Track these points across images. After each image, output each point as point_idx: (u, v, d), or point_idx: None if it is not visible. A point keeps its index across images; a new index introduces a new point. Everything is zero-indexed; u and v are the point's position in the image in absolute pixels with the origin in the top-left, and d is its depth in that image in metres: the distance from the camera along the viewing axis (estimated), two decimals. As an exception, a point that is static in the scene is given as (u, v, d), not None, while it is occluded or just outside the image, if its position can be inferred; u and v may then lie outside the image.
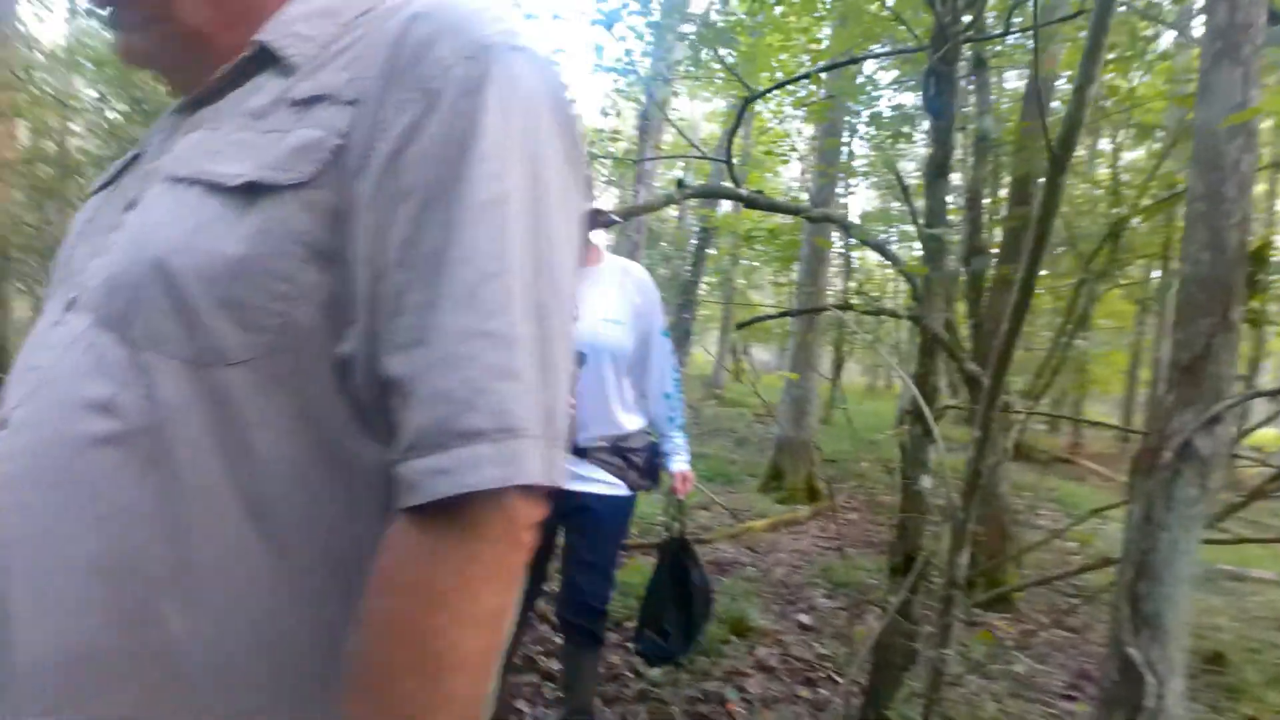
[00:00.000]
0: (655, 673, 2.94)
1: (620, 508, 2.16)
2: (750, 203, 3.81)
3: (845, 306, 2.83)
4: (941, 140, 2.65)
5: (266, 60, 0.57)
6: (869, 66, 4.84)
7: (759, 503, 6.00)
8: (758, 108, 9.42)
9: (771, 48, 4.47)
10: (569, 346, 0.53)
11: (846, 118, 6.34)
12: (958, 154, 5.64)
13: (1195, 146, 1.73)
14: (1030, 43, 4.07)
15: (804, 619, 3.64)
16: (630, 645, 3.18)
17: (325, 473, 0.50)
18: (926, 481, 2.33)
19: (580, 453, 2.08)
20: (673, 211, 17.25)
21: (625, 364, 2.12)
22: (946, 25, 2.56)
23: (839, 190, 11.09)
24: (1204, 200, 1.69)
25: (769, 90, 3.29)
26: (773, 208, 3.89)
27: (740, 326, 2.95)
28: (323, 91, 0.53)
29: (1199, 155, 1.71)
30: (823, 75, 5.12)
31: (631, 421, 2.16)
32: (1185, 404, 1.69)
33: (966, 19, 2.68)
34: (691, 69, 4.98)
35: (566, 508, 2.08)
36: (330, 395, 0.50)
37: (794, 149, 5.21)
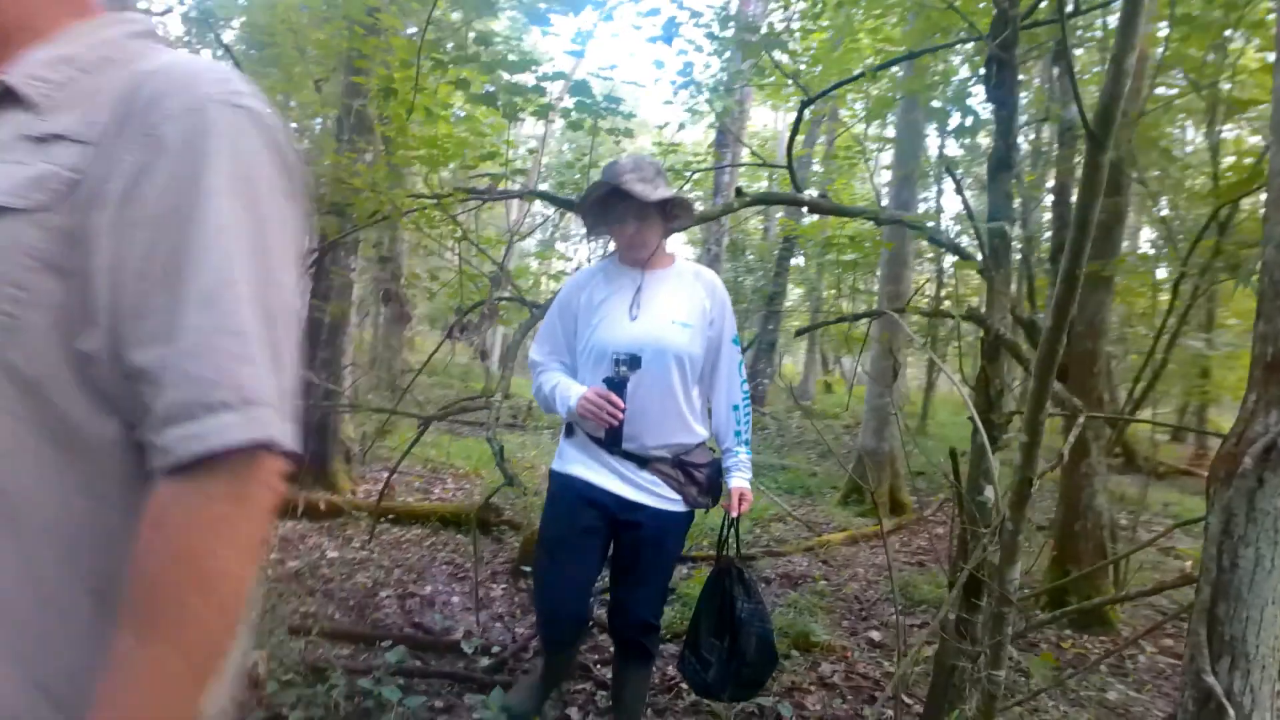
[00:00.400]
0: (711, 686, 2.87)
1: (677, 524, 2.10)
2: (813, 207, 3.72)
3: (900, 310, 2.70)
4: (1003, 131, 2.50)
5: (11, 98, 0.63)
6: (946, 64, 4.63)
7: (838, 516, 5.81)
8: (841, 113, 9.22)
9: (838, 52, 4.36)
10: (293, 345, 0.64)
11: (929, 117, 6.10)
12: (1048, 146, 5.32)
13: (1274, 115, 1.57)
14: (1107, 22, 3.80)
15: (875, 635, 3.48)
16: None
17: (57, 452, 0.59)
18: (989, 493, 2.18)
19: (642, 461, 2.03)
20: (758, 223, 17.08)
21: (693, 370, 2.06)
22: (1005, 10, 2.42)
23: (929, 193, 10.66)
24: (1287, 176, 1.52)
25: (825, 92, 3.19)
26: (837, 211, 3.78)
27: (799, 334, 2.87)
28: (60, 131, 0.61)
29: (1277, 125, 1.54)
30: (897, 75, 4.96)
31: (697, 433, 2.10)
32: (1271, 404, 1.51)
33: (1028, 4, 2.53)
34: (754, 77, 4.90)
35: (620, 514, 2.03)
36: (66, 384, 0.59)
37: (861, 150, 5.02)
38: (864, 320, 6.23)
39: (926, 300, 9.90)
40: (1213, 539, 1.54)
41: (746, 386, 2.21)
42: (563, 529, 2.06)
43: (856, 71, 3.44)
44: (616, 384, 1.95)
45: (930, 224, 3.47)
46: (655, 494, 2.04)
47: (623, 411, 1.93)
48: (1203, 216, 3.25)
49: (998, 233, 2.38)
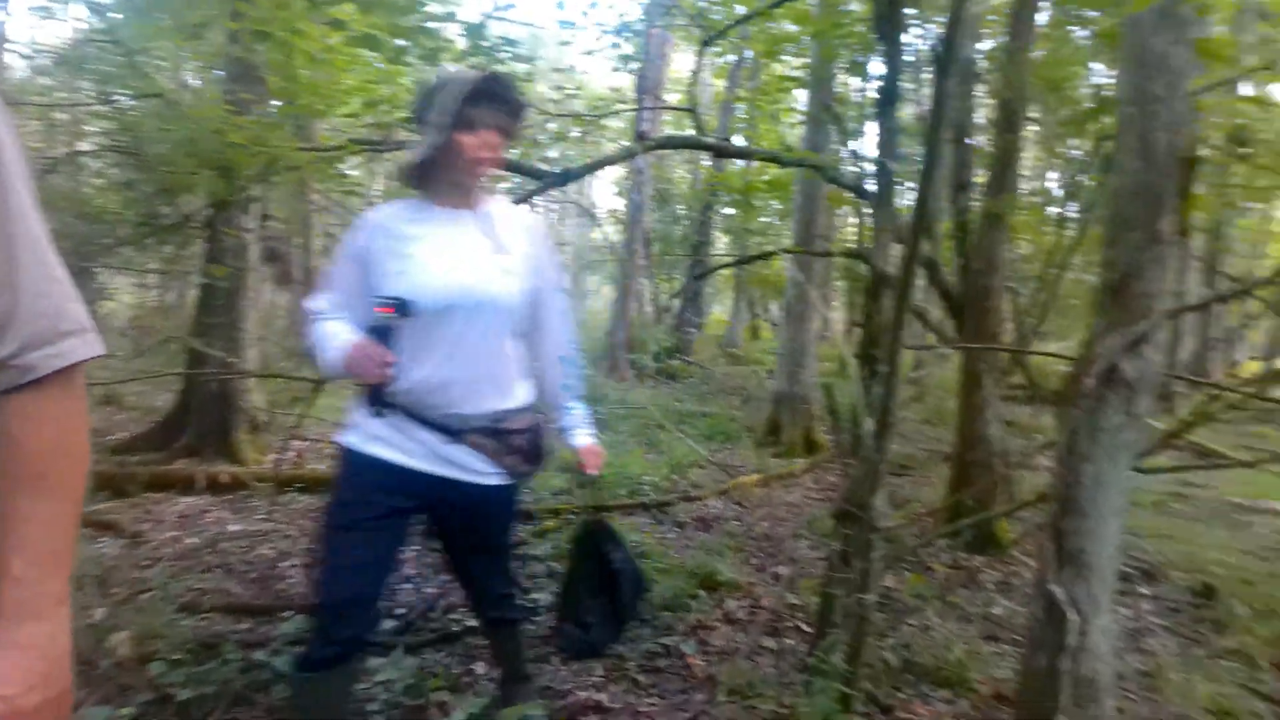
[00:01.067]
0: (618, 629, 2.92)
1: (500, 499, 1.88)
2: (718, 151, 3.69)
3: (795, 249, 2.72)
4: (891, 65, 2.50)
5: None
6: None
7: (755, 458, 5.94)
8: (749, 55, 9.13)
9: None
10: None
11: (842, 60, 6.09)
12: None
13: (1124, 43, 1.60)
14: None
15: (782, 570, 3.59)
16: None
17: None
18: (870, 425, 2.24)
19: (454, 434, 1.77)
20: (684, 172, 16.98)
21: (516, 324, 1.83)
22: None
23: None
24: (1133, 103, 1.56)
25: (720, 33, 3.14)
26: (743, 155, 3.76)
27: (696, 277, 2.86)
28: None
29: (1128, 52, 1.58)
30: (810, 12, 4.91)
31: (519, 393, 1.87)
32: (1112, 327, 1.58)
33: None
34: (664, 19, 4.78)
35: (435, 495, 1.79)
36: None
37: (766, 93, 4.97)
38: (784, 264, 6.28)
39: (847, 242, 10.06)
40: (1060, 457, 1.61)
41: (575, 337, 2.02)
42: (357, 515, 1.75)
43: (752, 11, 3.37)
44: (378, 331, 1.68)
45: (825, 163, 3.47)
46: (470, 469, 1.79)
47: (390, 366, 1.66)
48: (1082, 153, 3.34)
49: (882, 169, 2.40)
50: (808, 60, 5.51)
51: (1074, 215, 3.69)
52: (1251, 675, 2.72)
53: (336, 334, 1.74)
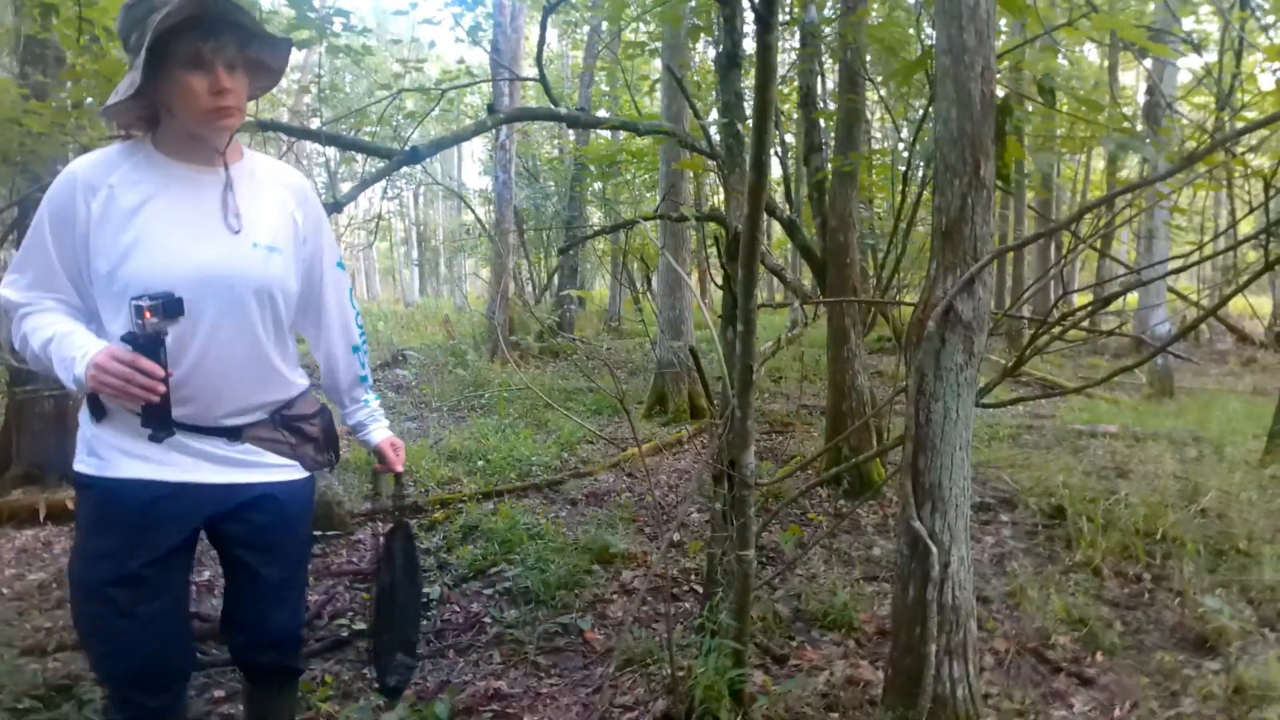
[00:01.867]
0: (511, 614, 2.88)
1: (302, 497, 1.59)
2: (571, 122, 3.62)
3: (649, 216, 2.72)
4: (729, 28, 2.52)
5: None
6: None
7: (644, 429, 5.99)
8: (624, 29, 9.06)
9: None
10: None
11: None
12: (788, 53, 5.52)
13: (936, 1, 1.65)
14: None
15: (676, 537, 3.64)
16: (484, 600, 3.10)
17: None
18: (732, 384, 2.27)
19: (231, 433, 1.46)
20: (551, 147, 16.73)
21: (287, 309, 1.52)
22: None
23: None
24: (947, 54, 1.62)
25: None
26: (596, 124, 3.70)
27: (562, 251, 2.80)
28: None
29: (940, 6, 1.63)
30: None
31: (296, 381, 1.58)
32: (946, 269, 1.65)
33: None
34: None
35: (222, 509, 1.48)
36: None
37: (616, 62, 4.94)
38: (653, 230, 6.32)
39: (710, 206, 10.25)
40: (911, 398, 1.69)
41: (361, 320, 1.73)
42: (129, 563, 1.39)
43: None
44: (144, 342, 1.30)
45: (677, 130, 3.48)
46: (263, 466, 1.51)
47: (165, 380, 1.32)
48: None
49: (730, 131, 2.42)
50: (658, 27, 5.52)
51: (918, 170, 3.88)
52: (1099, 585, 3.01)
53: (70, 339, 1.33)
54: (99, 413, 1.39)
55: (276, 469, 1.52)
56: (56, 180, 1.37)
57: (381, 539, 1.78)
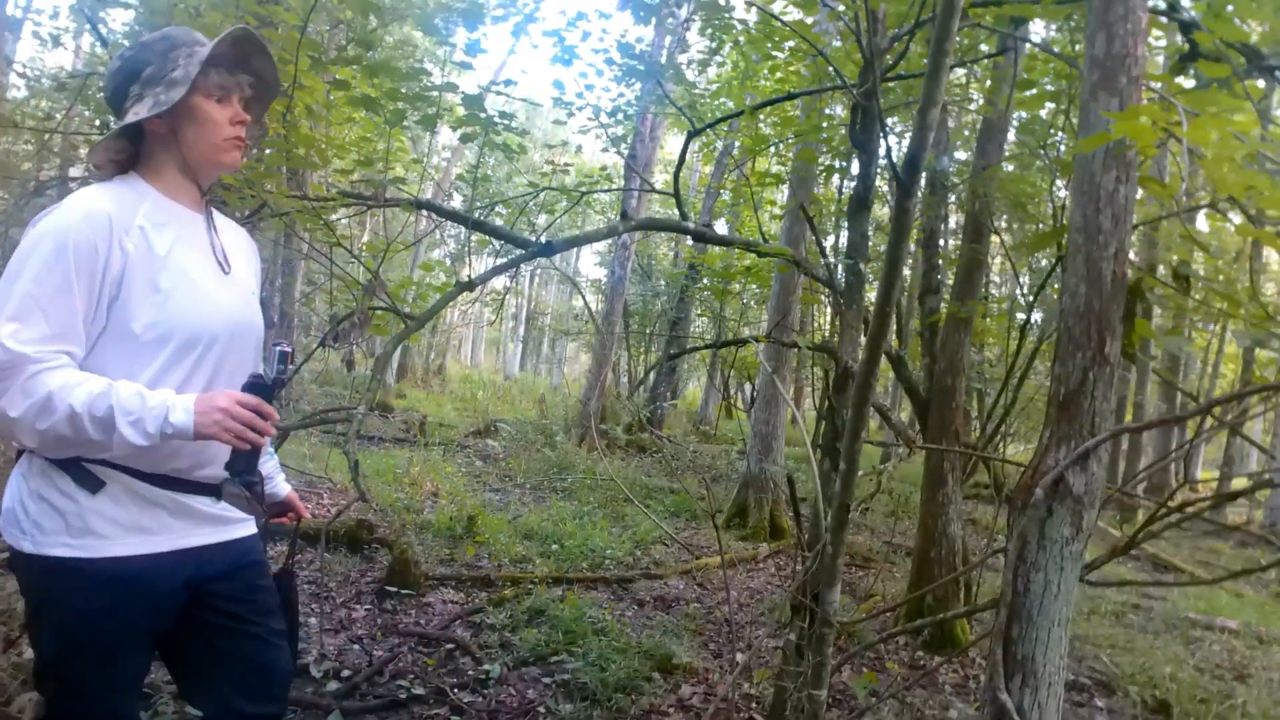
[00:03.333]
0: (567, 708, 2.85)
1: (258, 557, 1.53)
2: (697, 236, 3.80)
3: (761, 339, 2.81)
4: (864, 174, 2.64)
5: None
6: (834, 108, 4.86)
7: (721, 540, 5.90)
8: (736, 147, 9.52)
9: (731, 87, 4.52)
10: None
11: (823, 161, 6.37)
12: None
13: (1075, 177, 1.71)
14: (966, 77, 4.09)
15: (740, 657, 3.53)
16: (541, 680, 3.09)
17: None
18: (827, 520, 2.27)
19: (214, 490, 1.39)
20: (667, 249, 17.37)
21: (259, 353, 1.50)
22: (870, 62, 2.57)
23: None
24: (1081, 232, 1.66)
25: (708, 125, 3.31)
26: (721, 242, 3.88)
27: (671, 358, 2.91)
28: None
29: (1077, 186, 1.69)
30: (796, 116, 5.17)
31: None
32: (1060, 440, 1.64)
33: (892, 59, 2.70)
34: (656, 106, 5.01)
35: (207, 570, 1.39)
36: None
37: (748, 185, 5.18)
38: (757, 348, 6.41)
39: (820, 334, 10.28)
40: (1009, 564, 1.65)
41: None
42: (114, 658, 1.30)
43: (739, 109, 3.56)
44: (271, 386, 1.33)
45: (799, 257, 3.60)
46: (237, 523, 1.46)
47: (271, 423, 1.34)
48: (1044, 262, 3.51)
49: (852, 269, 2.50)
50: (790, 158, 5.77)
51: (1036, 322, 3.84)
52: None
53: (122, 390, 1.19)
54: (94, 485, 1.25)
55: (244, 525, 1.48)
56: (73, 216, 1.22)
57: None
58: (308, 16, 2.93)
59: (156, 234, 1.29)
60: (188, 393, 1.28)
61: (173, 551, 1.32)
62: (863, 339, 2.61)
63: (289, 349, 1.40)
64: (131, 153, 1.36)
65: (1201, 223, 7.83)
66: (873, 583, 5.10)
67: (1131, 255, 1.76)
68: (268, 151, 3.97)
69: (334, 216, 4.15)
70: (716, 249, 12.10)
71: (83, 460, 1.24)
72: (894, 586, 4.94)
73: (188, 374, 1.31)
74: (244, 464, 1.34)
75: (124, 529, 1.27)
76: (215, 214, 1.48)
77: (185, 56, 1.32)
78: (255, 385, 1.34)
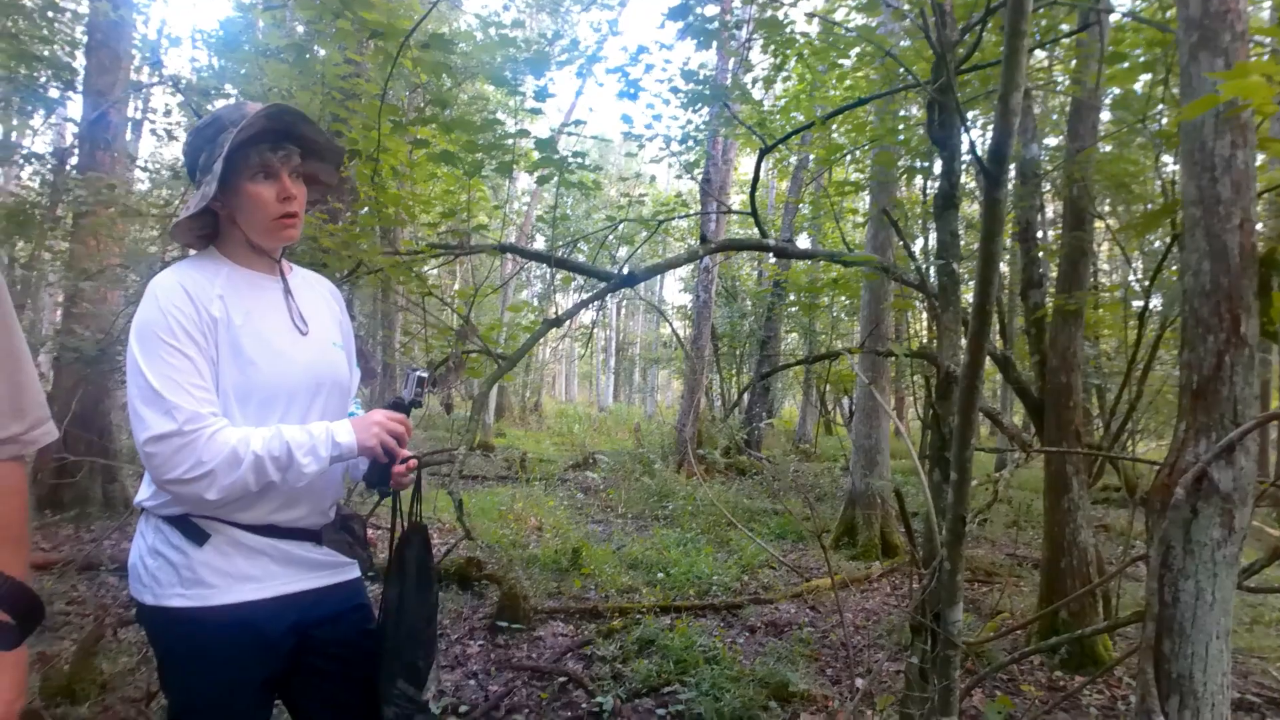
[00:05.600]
0: (683, 743, 2.79)
1: (362, 601, 1.54)
2: (778, 252, 3.75)
3: (855, 350, 2.71)
4: (947, 171, 2.54)
5: None
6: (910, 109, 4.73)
7: (830, 560, 5.70)
8: (810, 160, 9.35)
9: (800, 100, 4.47)
10: None
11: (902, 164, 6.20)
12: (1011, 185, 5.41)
13: (1183, 147, 1.59)
14: (1048, 59, 3.88)
15: (860, 683, 3.38)
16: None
17: None
18: (941, 535, 2.15)
19: (315, 536, 1.45)
20: (750, 269, 17.24)
21: (349, 400, 1.57)
22: (942, 56, 2.48)
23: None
24: (1198, 205, 1.54)
25: (780, 141, 3.27)
26: (803, 255, 3.82)
27: (762, 378, 2.87)
28: None
29: (1187, 156, 1.57)
30: (870, 120, 5.06)
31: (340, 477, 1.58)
32: (1199, 433, 1.50)
33: (964, 50, 2.60)
34: (726, 128, 5.01)
35: (312, 616, 1.42)
36: None
37: (826, 195, 5.06)
38: (855, 360, 6.23)
39: (917, 340, 9.90)
40: (1153, 573, 1.51)
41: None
42: (234, 701, 1.35)
43: (809, 121, 3.51)
44: (409, 407, 1.48)
45: (886, 263, 3.49)
46: (340, 566, 1.50)
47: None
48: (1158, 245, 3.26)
49: (945, 270, 2.40)
50: (868, 164, 5.63)
51: (1155, 308, 3.57)
52: None
53: (286, 430, 1.32)
54: (200, 537, 1.32)
55: (348, 568, 1.51)
56: (162, 298, 1.31)
57: (400, 546, 1.54)
58: (385, 84, 3.09)
59: (234, 302, 1.36)
60: None
61: (278, 597, 1.37)
62: (963, 341, 2.48)
63: (424, 374, 1.50)
64: (212, 227, 1.44)
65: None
66: (999, 599, 4.80)
67: (1259, 226, 1.61)
68: (363, 212, 4.21)
69: (425, 268, 4.34)
70: (801, 264, 11.92)
71: (190, 515, 1.32)
72: (1022, 602, 4.63)
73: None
74: (378, 476, 1.45)
75: (231, 578, 1.32)
76: (294, 271, 1.54)
77: (225, 139, 1.35)
78: (396, 405, 1.46)
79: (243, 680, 1.33)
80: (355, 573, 1.54)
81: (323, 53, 3.94)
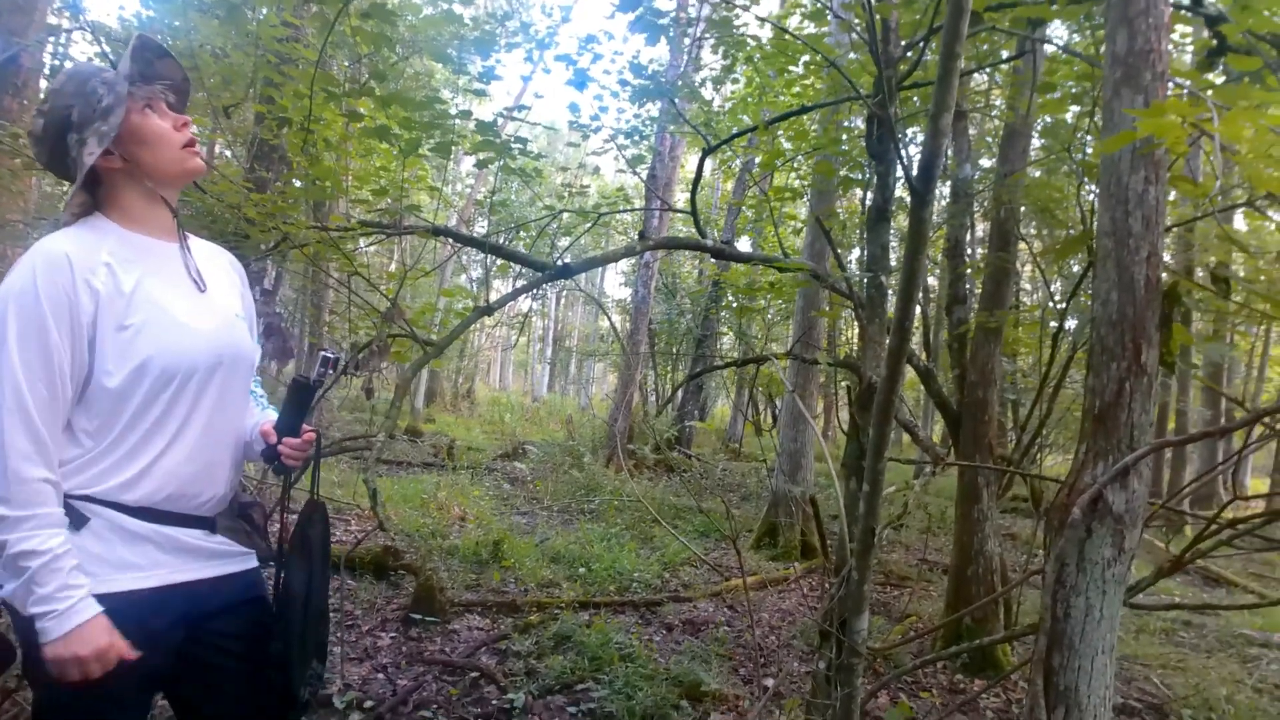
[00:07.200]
0: (593, 741, 2.78)
1: (260, 593, 1.46)
2: (716, 253, 3.76)
3: (781, 357, 2.74)
4: (881, 185, 2.59)
5: None
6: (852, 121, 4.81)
7: (751, 560, 5.79)
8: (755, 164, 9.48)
9: (748, 103, 4.50)
10: None
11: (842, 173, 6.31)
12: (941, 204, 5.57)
13: (1101, 180, 1.64)
14: (987, 83, 4.02)
15: (770, 683, 3.44)
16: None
17: None
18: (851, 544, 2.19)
19: (209, 523, 1.36)
20: (691, 267, 17.35)
21: (251, 376, 1.48)
22: (883, 72, 2.52)
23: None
24: (1110, 236, 1.59)
25: (724, 142, 3.28)
26: (740, 258, 3.83)
27: (692, 377, 2.87)
28: None
29: (1104, 189, 1.62)
30: (813, 129, 5.13)
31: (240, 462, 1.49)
32: (1097, 455, 1.56)
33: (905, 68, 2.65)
34: (673, 125, 5.00)
35: (205, 608, 1.34)
36: None
37: (766, 201, 5.13)
38: (782, 366, 6.32)
39: (848, 349, 10.14)
40: (1048, 588, 1.56)
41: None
42: (110, 699, 1.24)
43: (754, 125, 3.53)
44: (309, 390, 1.42)
45: (818, 270, 3.54)
46: (235, 555, 1.41)
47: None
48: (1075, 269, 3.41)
49: (873, 283, 2.44)
50: (809, 171, 5.72)
51: (1070, 330, 3.73)
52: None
53: (59, 574, 1.15)
54: (77, 521, 1.21)
55: (244, 558, 1.42)
56: (36, 267, 1.18)
57: (301, 524, 1.47)
58: (322, 51, 2.97)
59: (123, 271, 1.26)
60: (167, 428, 1.27)
61: (164, 587, 1.27)
62: (885, 354, 2.54)
63: (331, 355, 1.42)
64: (89, 202, 1.32)
65: (1239, 222, 7.60)
66: (908, 602, 4.96)
67: (1166, 258, 1.68)
68: (295, 184, 4.03)
69: (357, 246, 4.19)
70: (740, 265, 12.06)
71: (68, 497, 1.21)
72: (930, 606, 4.79)
73: (164, 410, 1.27)
74: (271, 452, 1.41)
75: (111, 566, 1.23)
76: (191, 238, 1.43)
77: (102, 83, 1.27)
78: (299, 386, 1.39)
79: (121, 677, 1.21)
80: (252, 563, 1.45)
81: (264, 11, 3.75)
